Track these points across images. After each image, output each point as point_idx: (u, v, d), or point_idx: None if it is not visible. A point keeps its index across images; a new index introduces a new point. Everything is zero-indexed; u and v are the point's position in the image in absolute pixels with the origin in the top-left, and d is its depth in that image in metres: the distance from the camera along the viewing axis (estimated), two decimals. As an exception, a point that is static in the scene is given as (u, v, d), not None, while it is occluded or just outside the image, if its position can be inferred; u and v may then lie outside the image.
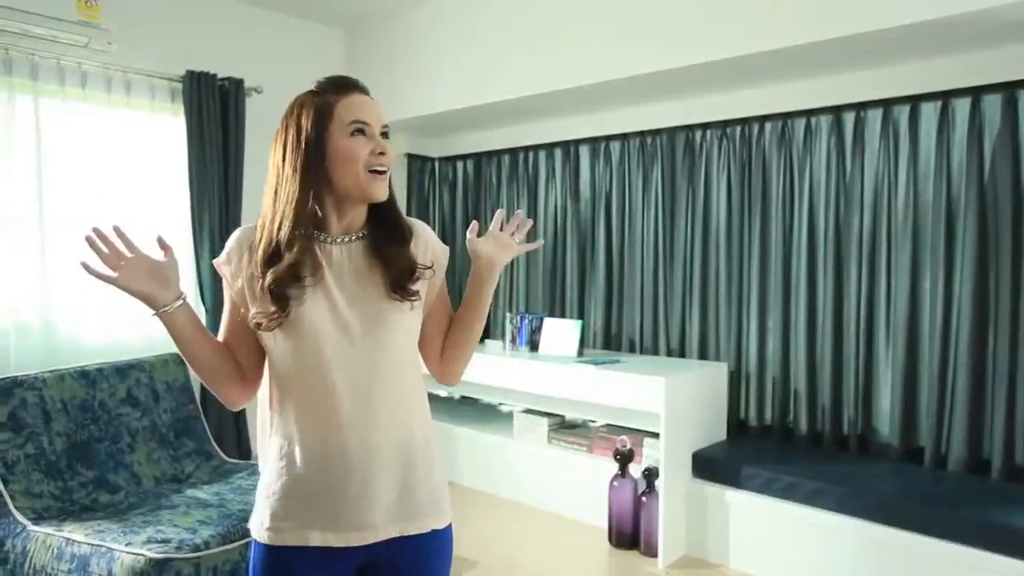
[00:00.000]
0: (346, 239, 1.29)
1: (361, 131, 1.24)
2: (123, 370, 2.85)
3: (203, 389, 3.79)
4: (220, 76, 3.84)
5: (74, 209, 3.41)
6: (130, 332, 3.63)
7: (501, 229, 1.42)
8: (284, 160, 1.24)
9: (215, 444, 3.04)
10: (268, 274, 1.20)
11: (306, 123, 1.23)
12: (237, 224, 3.74)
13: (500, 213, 1.42)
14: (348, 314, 1.24)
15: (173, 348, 3.41)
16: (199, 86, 3.73)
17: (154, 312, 1.22)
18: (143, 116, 3.66)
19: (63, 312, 3.40)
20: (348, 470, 1.21)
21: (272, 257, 1.22)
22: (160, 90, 3.70)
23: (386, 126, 1.30)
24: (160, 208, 3.71)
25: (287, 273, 1.20)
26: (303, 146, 1.23)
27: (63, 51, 3.33)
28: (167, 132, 3.74)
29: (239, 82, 3.89)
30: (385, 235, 1.30)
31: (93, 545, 2.15)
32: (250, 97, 3.98)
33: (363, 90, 1.29)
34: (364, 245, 1.30)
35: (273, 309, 1.20)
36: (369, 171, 1.24)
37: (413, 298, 1.28)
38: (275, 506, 1.23)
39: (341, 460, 1.21)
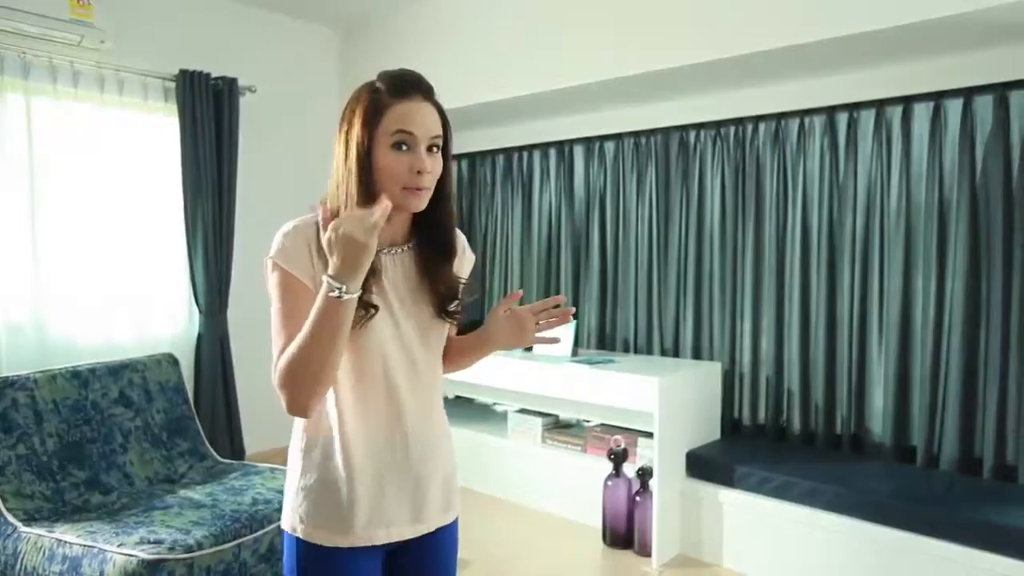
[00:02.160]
0: (395, 250, 1.28)
1: (402, 143, 1.19)
2: (116, 370, 2.83)
3: (196, 389, 3.78)
4: (214, 75, 3.82)
5: (66, 209, 3.40)
6: (123, 332, 3.62)
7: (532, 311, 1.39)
8: (344, 159, 1.20)
9: (208, 444, 3.02)
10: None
11: (358, 123, 1.19)
12: (231, 223, 3.72)
13: (519, 293, 1.39)
14: (405, 326, 1.26)
15: (166, 348, 3.46)
16: (192, 85, 3.71)
17: (344, 291, 1.10)
18: (136, 115, 3.64)
19: (55, 312, 3.39)
20: (379, 474, 1.25)
21: None
22: (153, 89, 3.69)
23: (437, 137, 1.22)
24: (153, 207, 3.69)
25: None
26: (355, 150, 1.19)
27: (55, 49, 3.31)
28: (160, 131, 3.72)
29: (233, 81, 3.88)
30: (432, 249, 1.30)
31: (85, 546, 2.14)
32: (244, 96, 3.97)
33: (424, 93, 1.22)
34: (412, 257, 1.30)
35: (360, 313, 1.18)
36: (404, 188, 1.20)
37: (454, 319, 1.32)
38: (309, 503, 1.25)
39: (375, 464, 1.25)
